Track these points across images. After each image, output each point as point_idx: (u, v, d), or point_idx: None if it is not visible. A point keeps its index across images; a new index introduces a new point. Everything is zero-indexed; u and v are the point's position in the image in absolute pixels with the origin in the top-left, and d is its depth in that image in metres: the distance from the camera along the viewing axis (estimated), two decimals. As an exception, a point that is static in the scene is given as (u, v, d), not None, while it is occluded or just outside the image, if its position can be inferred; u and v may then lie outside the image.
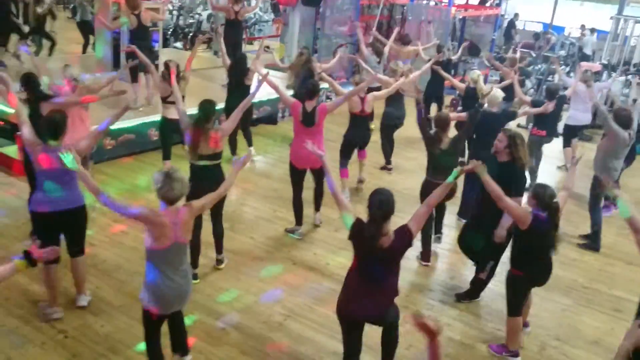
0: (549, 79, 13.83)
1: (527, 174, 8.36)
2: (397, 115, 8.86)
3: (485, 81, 11.72)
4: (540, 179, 8.16)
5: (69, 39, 14.39)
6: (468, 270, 6.01)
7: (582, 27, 19.14)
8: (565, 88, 9.76)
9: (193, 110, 5.95)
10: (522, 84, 10.65)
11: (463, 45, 12.12)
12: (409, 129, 10.25)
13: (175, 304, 4.03)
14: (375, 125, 8.78)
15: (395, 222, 3.89)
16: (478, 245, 5.51)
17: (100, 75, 8.87)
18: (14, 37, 11.57)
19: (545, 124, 8.44)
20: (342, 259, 6.06)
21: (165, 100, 7.27)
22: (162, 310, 3.99)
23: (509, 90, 8.80)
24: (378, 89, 8.31)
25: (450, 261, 6.59)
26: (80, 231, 5.01)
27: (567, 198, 4.82)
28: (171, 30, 16.11)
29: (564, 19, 21.85)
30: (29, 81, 5.95)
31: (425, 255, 6.38)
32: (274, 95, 8.09)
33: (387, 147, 9.04)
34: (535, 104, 8.51)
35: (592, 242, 7.19)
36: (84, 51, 13.21)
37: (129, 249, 6.09)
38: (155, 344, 4.12)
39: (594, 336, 5.42)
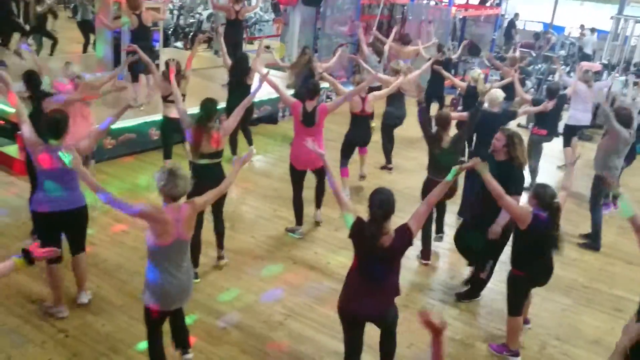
0: (549, 78, 13.83)
1: (527, 173, 8.50)
2: (398, 115, 8.88)
3: (486, 81, 11.71)
4: (540, 179, 8.17)
5: (69, 39, 14.39)
6: (468, 270, 6.01)
7: (582, 27, 19.13)
8: (566, 87, 9.76)
9: (193, 109, 5.96)
10: (522, 83, 10.65)
11: (463, 44, 12.12)
12: (410, 128, 10.25)
13: (177, 300, 4.04)
14: (376, 124, 8.79)
15: (396, 221, 3.89)
16: (477, 244, 5.51)
17: (101, 74, 8.88)
18: (15, 36, 11.57)
19: (546, 123, 8.45)
20: (342, 259, 6.06)
21: (166, 99, 7.28)
22: (165, 307, 3.99)
23: (509, 90, 8.80)
24: (379, 88, 8.32)
25: (450, 260, 6.59)
26: (81, 231, 5.03)
27: (566, 198, 4.82)
28: (172, 29, 16.11)
29: (564, 19, 21.84)
30: (31, 79, 5.97)
31: (425, 253, 6.38)
32: (274, 94, 8.09)
33: (388, 146, 9.05)
34: (536, 102, 8.50)
35: (592, 241, 7.20)
36: (85, 50, 13.21)
37: (130, 249, 6.09)
38: (157, 342, 4.12)
39: (595, 336, 5.43)
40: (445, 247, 6.76)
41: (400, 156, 9.57)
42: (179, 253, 3.95)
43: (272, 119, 10.90)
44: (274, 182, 8.18)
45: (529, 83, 13.92)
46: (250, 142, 8.87)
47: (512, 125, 8.14)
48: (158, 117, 8.33)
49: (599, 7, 22.65)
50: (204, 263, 5.76)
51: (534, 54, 16.01)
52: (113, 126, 5.40)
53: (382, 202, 3.77)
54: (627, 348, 2.93)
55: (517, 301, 4.87)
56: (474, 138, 7.42)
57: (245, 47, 12.10)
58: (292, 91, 8.98)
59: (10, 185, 7.30)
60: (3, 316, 4.89)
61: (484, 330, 5.39)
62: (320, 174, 6.68)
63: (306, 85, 6.73)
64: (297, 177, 6.64)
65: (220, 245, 5.95)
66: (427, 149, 6.15)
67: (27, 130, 4.65)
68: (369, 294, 3.90)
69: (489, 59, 12.39)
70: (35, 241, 3.28)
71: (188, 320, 4.57)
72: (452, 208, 7.17)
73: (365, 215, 3.88)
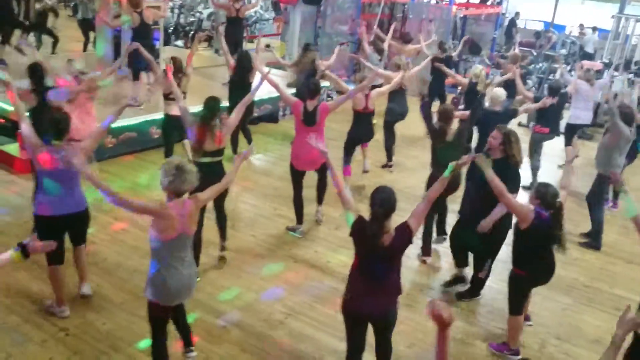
0: (550, 77, 13.83)
1: (528, 172, 8.50)
2: (400, 111, 8.92)
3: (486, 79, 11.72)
4: (541, 178, 8.17)
5: (69, 37, 14.37)
6: (469, 269, 6.00)
7: (581, 26, 19.12)
8: (567, 86, 9.77)
9: (194, 108, 5.97)
10: (524, 80, 10.66)
11: (463, 39, 12.14)
12: (411, 127, 10.27)
13: (180, 295, 4.03)
14: (377, 122, 8.78)
15: (396, 220, 3.89)
16: (473, 242, 5.47)
17: (100, 72, 8.87)
18: (16, 33, 11.54)
19: (547, 122, 8.45)
20: (342, 257, 6.06)
21: (167, 97, 7.27)
22: (169, 302, 3.99)
23: (511, 88, 8.80)
24: (380, 86, 8.33)
25: (451, 260, 6.56)
26: (83, 230, 5.07)
27: (567, 196, 4.81)
28: (172, 28, 16.10)
29: (565, 18, 21.82)
30: (35, 72, 5.97)
31: (426, 250, 6.39)
32: (274, 93, 8.08)
33: (389, 143, 9.07)
34: (537, 100, 8.51)
35: (593, 240, 7.19)
36: (85, 49, 13.20)
37: (130, 247, 6.09)
38: (161, 340, 4.11)
39: (595, 335, 5.42)
40: (446, 246, 6.73)
41: (402, 155, 9.57)
42: (183, 248, 3.96)
43: (272, 117, 10.89)
44: (275, 180, 8.18)
45: (530, 82, 13.92)
46: (249, 142, 8.87)
47: (513, 124, 8.15)
48: (158, 115, 8.32)
49: (600, 6, 22.59)
50: (204, 262, 5.76)
51: (534, 53, 16.00)
52: (113, 125, 5.40)
53: (383, 201, 3.76)
54: (623, 339, 2.94)
55: (518, 300, 4.86)
56: (476, 137, 7.42)
57: (246, 46, 12.10)
58: (292, 90, 8.97)
59: (11, 183, 7.30)
60: (3, 315, 4.89)
61: (484, 329, 5.39)
62: (322, 170, 6.68)
63: (307, 84, 6.72)
64: (297, 176, 6.64)
65: (223, 236, 6.00)
66: (430, 145, 6.15)
67: (26, 128, 4.64)
68: (371, 293, 3.90)
69: (493, 58, 12.39)
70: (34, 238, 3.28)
71: (188, 319, 4.56)
72: (453, 207, 7.16)
73: (366, 214, 3.87)
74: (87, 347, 4.61)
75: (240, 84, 8.05)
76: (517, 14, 20.58)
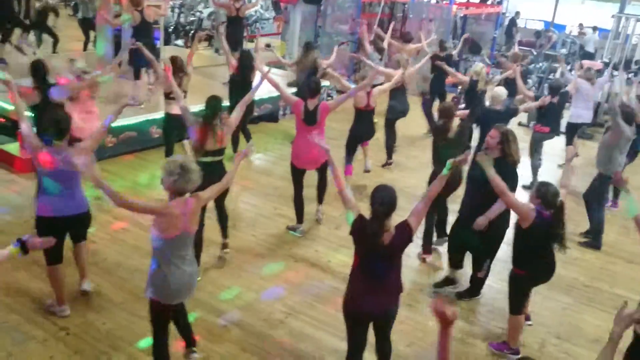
0: (550, 76, 13.83)
1: (529, 171, 8.51)
2: (402, 109, 8.98)
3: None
4: (541, 177, 8.18)
5: (69, 37, 14.37)
6: (469, 268, 6.00)
7: (580, 25, 19.12)
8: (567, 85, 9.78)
9: (194, 107, 5.97)
10: (524, 80, 10.67)
11: (463, 37, 12.15)
12: (411, 126, 10.29)
13: (182, 293, 4.03)
14: (378, 122, 8.79)
15: (397, 220, 3.89)
16: (471, 241, 5.45)
17: (100, 72, 8.87)
18: (16, 32, 11.54)
19: (548, 121, 8.46)
20: (343, 257, 6.07)
21: (168, 96, 7.27)
22: (170, 301, 3.99)
23: (511, 86, 8.81)
24: (381, 84, 8.34)
25: (451, 259, 6.58)
26: (84, 230, 5.08)
27: (566, 196, 4.81)
28: (172, 27, 16.10)
29: (565, 17, 21.83)
30: (37, 69, 5.98)
31: (427, 248, 6.39)
32: (274, 93, 8.08)
33: (391, 142, 9.09)
34: (538, 99, 8.53)
35: (593, 240, 7.20)
36: (85, 49, 13.20)
37: (130, 247, 6.09)
38: (163, 339, 4.11)
39: (595, 334, 5.42)
40: (446, 246, 6.75)
41: (402, 154, 9.58)
42: (184, 246, 3.96)
43: (272, 117, 10.90)
44: (275, 180, 8.18)
45: (530, 81, 13.92)
46: (248, 139, 8.88)
47: (513, 123, 8.16)
48: (159, 115, 8.33)
49: (600, 6, 22.59)
50: (205, 261, 5.76)
51: (535, 52, 16.00)
52: (114, 124, 5.40)
53: (384, 199, 3.76)
54: (620, 337, 2.94)
55: (518, 300, 4.86)
56: (477, 136, 7.43)
57: (246, 45, 12.10)
58: (293, 89, 8.97)
59: (12, 183, 7.30)
60: (4, 314, 4.89)
61: (484, 329, 5.39)
62: (322, 171, 6.69)
63: (308, 83, 6.72)
64: (297, 175, 6.64)
65: (224, 235, 6.02)
66: (432, 142, 6.15)
67: (26, 128, 4.64)
68: (371, 291, 3.90)
69: (493, 57, 12.40)
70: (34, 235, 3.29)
71: (189, 318, 4.57)
72: (454, 207, 7.16)
73: (367, 212, 3.87)
74: (87, 347, 4.62)
75: (241, 83, 8.05)
76: (517, 13, 20.59)
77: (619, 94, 7.93)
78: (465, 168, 5.78)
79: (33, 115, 6.11)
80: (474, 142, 7.70)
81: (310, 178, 6.83)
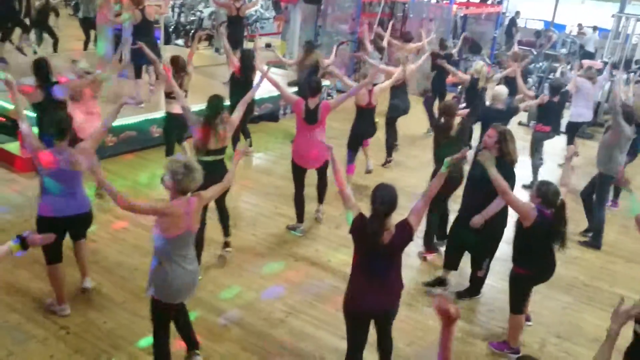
0: (550, 76, 13.84)
1: (529, 170, 8.51)
2: (403, 107, 9.02)
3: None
4: (541, 177, 8.18)
5: (70, 36, 14.37)
6: (469, 268, 6.01)
7: (580, 25, 19.12)
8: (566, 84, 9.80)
9: (195, 107, 5.97)
10: (524, 80, 10.68)
11: (463, 36, 12.16)
12: (412, 126, 10.30)
13: (184, 292, 4.03)
14: (379, 121, 8.80)
15: (397, 219, 3.89)
16: (470, 240, 5.45)
17: (100, 72, 8.89)
18: (16, 32, 11.54)
19: (549, 120, 8.46)
20: (343, 256, 6.07)
21: (169, 95, 7.28)
22: (172, 300, 3.99)
23: (511, 85, 8.82)
24: (382, 83, 8.37)
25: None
26: (84, 230, 5.09)
27: (567, 194, 4.82)
28: (172, 27, 16.10)
29: (565, 17, 21.84)
30: (40, 67, 5.99)
31: (428, 247, 6.39)
32: (275, 92, 8.08)
33: (392, 141, 9.11)
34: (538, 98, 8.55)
35: (593, 240, 7.20)
36: (85, 48, 13.20)
37: (131, 246, 6.09)
38: (164, 338, 4.11)
39: (595, 334, 5.42)
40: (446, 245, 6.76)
41: (402, 154, 9.59)
42: (186, 245, 3.97)
43: (273, 116, 10.90)
44: (275, 179, 8.18)
45: (530, 80, 13.93)
46: (249, 144, 8.87)
47: (513, 122, 8.16)
48: (159, 114, 8.34)
49: (600, 6, 22.61)
50: (205, 261, 5.77)
51: (535, 52, 16.00)
52: (114, 124, 5.41)
53: (384, 198, 3.75)
54: (617, 333, 2.95)
55: (519, 299, 4.87)
56: (479, 135, 7.43)
57: (246, 45, 12.11)
58: (293, 89, 8.98)
59: (12, 182, 7.30)
60: (5, 313, 4.90)
61: (484, 328, 5.39)
62: (322, 170, 6.69)
63: (309, 82, 6.73)
64: (299, 174, 6.64)
65: (226, 233, 6.03)
66: (433, 140, 6.15)
67: (26, 128, 4.64)
68: (372, 291, 3.91)
69: (497, 57, 12.42)
70: (33, 231, 3.30)
71: (190, 317, 4.57)
72: (455, 207, 7.17)
73: (367, 212, 3.87)
74: (87, 346, 4.62)
75: (243, 82, 8.05)
76: (517, 13, 20.60)
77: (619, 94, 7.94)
78: (466, 167, 5.79)
79: (35, 114, 6.12)
80: (475, 141, 7.71)
81: (311, 177, 6.83)
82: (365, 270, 3.92)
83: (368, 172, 8.31)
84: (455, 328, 2.60)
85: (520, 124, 11.67)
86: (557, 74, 12.46)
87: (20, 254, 3.23)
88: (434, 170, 6.09)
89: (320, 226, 6.98)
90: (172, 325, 4.26)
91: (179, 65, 7.08)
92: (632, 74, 12.95)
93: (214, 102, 5.46)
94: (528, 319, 5.34)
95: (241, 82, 8.08)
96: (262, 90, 6.56)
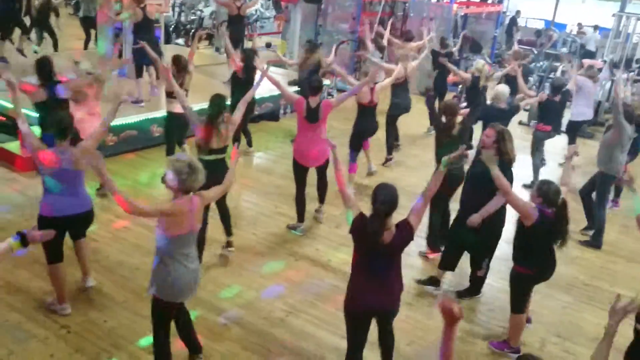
0: (551, 75, 13.83)
1: (529, 170, 8.51)
2: (405, 105, 9.02)
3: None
4: (542, 176, 8.18)
5: (70, 35, 14.37)
6: (470, 267, 6.01)
7: (579, 25, 19.11)
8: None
9: (195, 106, 5.97)
10: (525, 79, 10.68)
11: (462, 34, 12.16)
12: (412, 125, 10.29)
13: (187, 291, 4.03)
14: (379, 120, 8.81)
15: (397, 218, 3.89)
16: (469, 239, 5.45)
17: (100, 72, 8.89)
18: (17, 31, 11.54)
19: (550, 120, 8.46)
20: (343, 255, 6.07)
21: (170, 95, 7.28)
22: (174, 299, 3.99)
23: (512, 84, 8.83)
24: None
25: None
26: (85, 229, 5.10)
27: (567, 194, 4.82)
28: (173, 26, 16.10)
29: (565, 16, 21.84)
30: (43, 66, 5.99)
31: (432, 247, 6.38)
32: (275, 91, 8.09)
33: (392, 140, 9.12)
34: (542, 100, 8.54)
35: (593, 239, 7.20)
36: (86, 47, 13.20)
37: (132, 245, 6.10)
38: (164, 337, 4.10)
39: (595, 333, 5.42)
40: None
41: (403, 153, 9.59)
42: (189, 244, 3.98)
43: (273, 116, 10.90)
44: (275, 179, 8.18)
45: (531, 79, 13.93)
46: (249, 141, 8.89)
47: (513, 122, 8.15)
48: (159, 113, 8.35)
49: (601, 5, 22.60)
50: (205, 260, 5.77)
51: (535, 51, 16.00)
52: (115, 123, 5.41)
53: (385, 198, 3.75)
54: (615, 330, 2.96)
55: (520, 298, 4.87)
56: (481, 134, 7.43)
57: (246, 44, 12.11)
58: (294, 88, 8.97)
59: (13, 181, 7.31)
60: (5, 312, 4.90)
61: (484, 328, 5.39)
62: (322, 170, 6.69)
63: (310, 81, 6.72)
64: (300, 173, 6.64)
65: (228, 233, 6.04)
66: (435, 139, 6.15)
67: (25, 127, 4.64)
68: (372, 290, 3.91)
69: (499, 55, 12.42)
70: (33, 228, 3.30)
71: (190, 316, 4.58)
72: (455, 206, 7.16)
73: (367, 211, 3.87)
74: (88, 345, 4.63)
75: (245, 82, 8.04)
76: (518, 12, 20.60)
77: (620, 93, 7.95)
78: (467, 167, 5.78)
79: (38, 114, 6.13)
80: (475, 141, 7.70)
81: (312, 177, 6.83)
82: (365, 270, 3.92)
83: (370, 174, 8.29)
84: (457, 328, 2.59)
85: (520, 123, 11.66)
86: (558, 73, 12.46)
87: (20, 253, 3.23)
88: (435, 170, 6.07)
89: (320, 225, 6.98)
90: (173, 325, 4.26)
91: (180, 65, 7.09)
92: (631, 73, 12.97)
93: (217, 101, 5.47)
94: (529, 321, 5.34)
95: (243, 82, 8.06)
96: (263, 89, 6.56)
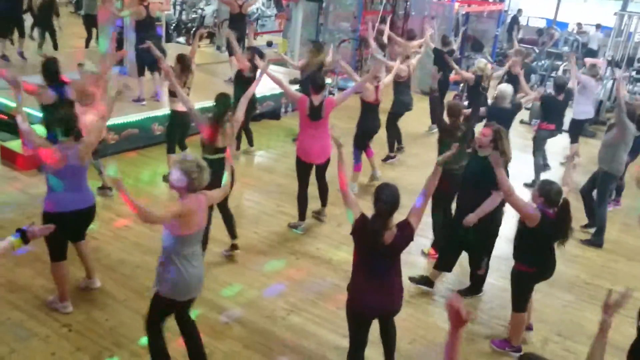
0: (552, 74, 13.83)
1: (530, 169, 8.50)
2: (407, 103, 9.05)
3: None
4: (543, 175, 8.18)
5: (71, 34, 14.39)
6: (468, 268, 6.01)
7: (579, 25, 19.11)
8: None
9: (196, 105, 5.97)
10: (527, 78, 10.67)
11: (462, 32, 12.17)
12: (412, 124, 10.28)
13: (193, 289, 4.03)
14: (381, 119, 8.81)
15: (398, 218, 3.89)
16: (468, 238, 5.45)
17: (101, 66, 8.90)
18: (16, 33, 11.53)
19: (553, 118, 8.45)
20: (345, 254, 6.08)
21: (173, 93, 7.27)
22: (183, 297, 4.00)
23: (515, 83, 8.82)
24: None
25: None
26: (87, 227, 5.10)
27: (568, 193, 4.81)
28: (174, 25, 16.11)
29: (567, 15, 21.82)
30: (49, 68, 6.00)
31: (435, 246, 6.39)
32: (277, 90, 8.10)
33: (393, 139, 9.12)
34: (544, 99, 8.54)
35: (595, 238, 7.20)
36: (87, 45, 13.21)
37: (133, 244, 6.10)
38: (159, 333, 4.10)
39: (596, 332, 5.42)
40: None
41: (404, 152, 9.58)
42: (196, 242, 3.99)
43: (274, 114, 10.89)
44: (277, 177, 8.19)
45: (533, 78, 13.92)
46: (250, 140, 8.88)
47: (515, 120, 8.14)
48: (161, 112, 8.35)
49: (603, 4, 22.58)
50: (207, 259, 5.75)
51: (537, 50, 15.99)
52: (116, 121, 5.41)
53: (387, 198, 3.75)
54: (609, 325, 2.96)
55: (522, 297, 4.87)
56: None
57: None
58: (295, 87, 8.96)
59: (14, 180, 7.32)
60: (7, 310, 4.91)
61: (485, 326, 5.39)
62: (322, 169, 6.68)
63: (313, 79, 6.71)
64: (303, 171, 6.61)
65: (232, 235, 6.00)
66: (438, 140, 6.14)
67: (25, 126, 4.64)
68: (373, 291, 3.91)
69: (503, 54, 12.43)
70: (33, 224, 3.30)
71: (192, 315, 4.58)
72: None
73: (368, 211, 3.88)
74: (89, 343, 4.63)
75: (251, 81, 8.01)
76: (519, 11, 20.59)
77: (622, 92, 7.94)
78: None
79: (45, 115, 6.14)
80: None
81: (313, 175, 6.82)
82: (365, 270, 3.92)
83: (374, 179, 8.24)
84: (463, 331, 2.54)
85: (522, 122, 11.65)
86: (560, 72, 12.45)
87: (21, 251, 3.23)
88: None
89: (322, 224, 6.98)
90: (173, 324, 4.27)
91: (184, 64, 7.07)
92: (634, 72, 12.96)
93: (222, 100, 5.48)
94: (530, 328, 5.29)
95: (249, 80, 8.07)
96: (264, 87, 6.57)
